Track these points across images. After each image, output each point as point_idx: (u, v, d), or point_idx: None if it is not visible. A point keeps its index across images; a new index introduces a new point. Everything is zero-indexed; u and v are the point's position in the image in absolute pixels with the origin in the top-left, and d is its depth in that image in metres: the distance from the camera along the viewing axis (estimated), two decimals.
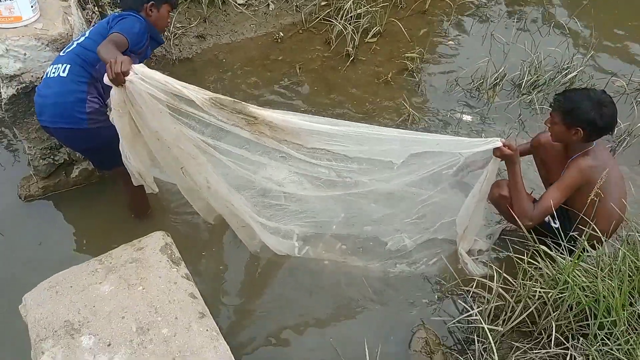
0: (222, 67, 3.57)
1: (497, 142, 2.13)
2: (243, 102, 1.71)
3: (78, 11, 2.78)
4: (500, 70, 3.50)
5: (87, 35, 2.19)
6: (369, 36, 3.82)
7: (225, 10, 3.86)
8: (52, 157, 2.62)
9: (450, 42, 3.95)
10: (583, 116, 2.11)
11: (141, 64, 1.72)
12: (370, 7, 3.85)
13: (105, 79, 1.68)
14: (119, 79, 1.67)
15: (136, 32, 2.08)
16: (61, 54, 2.21)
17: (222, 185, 1.94)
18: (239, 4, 3.89)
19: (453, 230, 2.45)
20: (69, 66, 2.11)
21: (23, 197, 2.65)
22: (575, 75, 3.49)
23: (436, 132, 3.25)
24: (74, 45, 2.17)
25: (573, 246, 2.15)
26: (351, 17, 3.80)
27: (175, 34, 3.61)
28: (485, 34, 4.03)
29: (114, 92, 1.71)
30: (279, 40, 3.79)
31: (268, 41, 3.80)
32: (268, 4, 3.99)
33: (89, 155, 2.46)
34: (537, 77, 3.52)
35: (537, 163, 2.47)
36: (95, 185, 2.72)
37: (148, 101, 1.70)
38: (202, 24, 3.75)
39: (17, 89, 2.35)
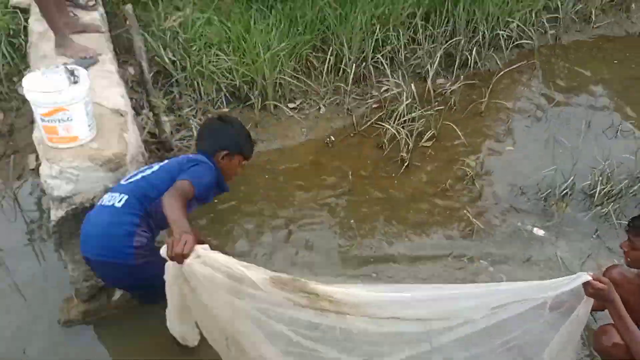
0: (272, 173, 3.48)
1: (585, 277, 1.83)
2: (302, 279, 1.62)
3: (134, 125, 2.76)
4: (570, 180, 3.25)
5: (154, 169, 2.14)
6: (424, 140, 3.68)
7: (277, 115, 3.84)
8: (95, 279, 2.48)
9: (509, 147, 3.75)
10: None
11: (205, 244, 1.61)
12: (424, 110, 3.74)
13: (163, 252, 1.55)
14: (178, 260, 1.55)
15: (205, 184, 2.03)
16: (122, 182, 2.13)
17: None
18: (290, 108, 3.87)
19: None
20: (126, 197, 2.02)
21: (62, 322, 2.49)
22: None
23: (503, 243, 2.99)
24: (138, 176, 2.10)
25: None
26: (404, 120, 3.69)
27: None
28: (547, 137, 3.81)
29: (170, 264, 1.60)
30: (330, 144, 3.70)
31: (319, 145, 3.71)
32: (319, 108, 3.96)
33: (132, 290, 2.31)
34: (611, 186, 3.24)
35: None
36: (137, 308, 2.54)
37: (205, 282, 1.59)
38: (253, 129, 3.71)
39: (67, 210, 2.27)
